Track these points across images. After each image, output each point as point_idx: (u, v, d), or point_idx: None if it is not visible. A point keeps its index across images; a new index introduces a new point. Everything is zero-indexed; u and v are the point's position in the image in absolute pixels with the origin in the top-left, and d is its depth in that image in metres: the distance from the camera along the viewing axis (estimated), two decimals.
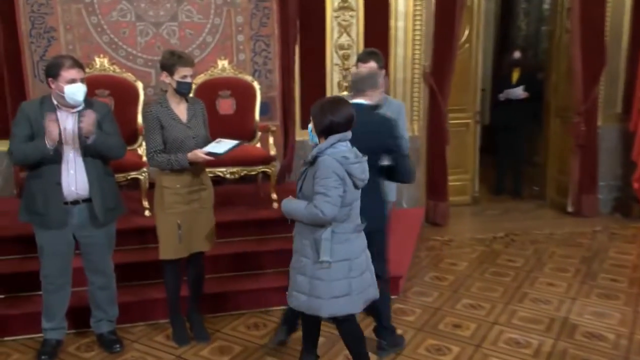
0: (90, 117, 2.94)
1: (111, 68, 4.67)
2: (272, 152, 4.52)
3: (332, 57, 5.31)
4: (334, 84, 5.37)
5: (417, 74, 5.46)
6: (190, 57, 3.22)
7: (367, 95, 3.07)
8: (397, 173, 3.02)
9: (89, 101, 3.13)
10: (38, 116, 2.96)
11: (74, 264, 3.25)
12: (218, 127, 3.88)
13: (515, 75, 6.51)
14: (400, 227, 5.08)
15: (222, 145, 3.19)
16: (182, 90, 3.17)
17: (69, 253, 3.20)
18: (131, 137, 4.35)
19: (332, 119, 2.66)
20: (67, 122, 3.04)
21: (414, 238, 5.09)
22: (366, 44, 5.26)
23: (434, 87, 5.48)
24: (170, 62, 3.13)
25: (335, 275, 2.71)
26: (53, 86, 2.99)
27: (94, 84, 4.16)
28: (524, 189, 6.76)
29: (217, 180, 4.22)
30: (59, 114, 3.02)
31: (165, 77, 3.17)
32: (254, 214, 4.36)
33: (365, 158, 2.74)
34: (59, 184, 3.01)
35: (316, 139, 2.73)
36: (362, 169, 2.71)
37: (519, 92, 6.35)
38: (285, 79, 5.19)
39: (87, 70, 3.49)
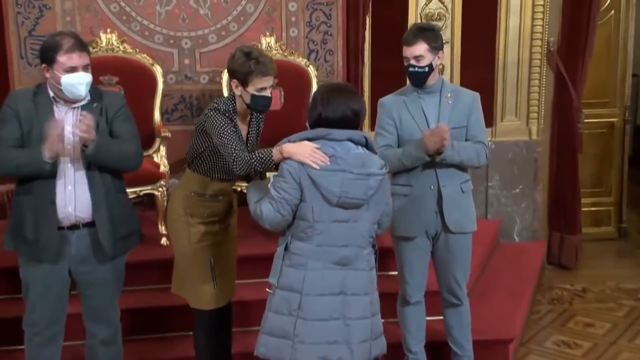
0: (85, 121, 2.99)
1: (121, 47, 4.88)
2: None
3: None
4: None
5: (538, 53, 5.42)
6: (271, 62, 3.18)
7: None
8: None
9: (97, 92, 3.25)
10: (31, 112, 3.08)
11: (69, 309, 3.33)
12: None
13: None
14: (510, 269, 5.01)
15: None
16: (257, 106, 3.20)
17: (64, 295, 3.28)
18: (146, 139, 4.48)
19: (321, 112, 2.84)
20: (66, 121, 3.12)
21: (530, 285, 5.00)
22: (465, 14, 5.26)
23: (563, 72, 5.42)
24: (244, 68, 3.11)
25: (276, 305, 2.86)
26: (48, 75, 3.12)
27: (98, 69, 4.29)
28: None
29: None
30: (55, 109, 3.14)
31: (235, 87, 3.19)
32: None
33: (368, 171, 2.79)
34: (54, 202, 3.11)
35: None
36: (339, 181, 2.76)
37: None
38: (351, 62, 5.25)
39: (90, 49, 3.58)
